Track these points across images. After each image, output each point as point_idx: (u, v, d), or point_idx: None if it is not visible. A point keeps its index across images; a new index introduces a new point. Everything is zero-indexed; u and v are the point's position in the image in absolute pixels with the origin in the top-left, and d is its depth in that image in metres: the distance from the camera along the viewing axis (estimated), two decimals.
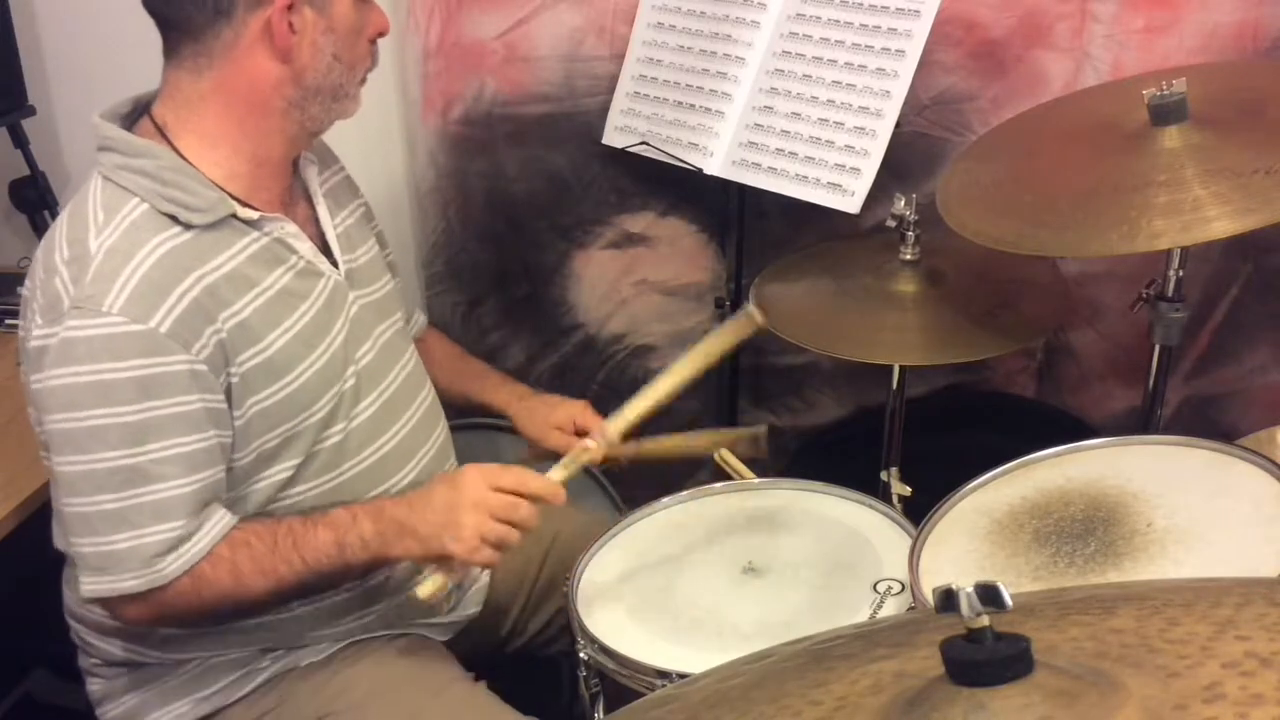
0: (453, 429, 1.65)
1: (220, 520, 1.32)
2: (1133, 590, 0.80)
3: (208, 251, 1.30)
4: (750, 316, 1.56)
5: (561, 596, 1.45)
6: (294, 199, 1.45)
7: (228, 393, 1.31)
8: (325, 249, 1.45)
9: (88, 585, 1.30)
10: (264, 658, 1.45)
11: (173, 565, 1.28)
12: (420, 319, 1.76)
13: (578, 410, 1.64)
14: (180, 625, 1.39)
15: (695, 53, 1.94)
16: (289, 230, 1.38)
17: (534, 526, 1.36)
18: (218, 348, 1.29)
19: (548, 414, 1.66)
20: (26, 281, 1.33)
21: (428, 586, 1.35)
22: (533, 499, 1.36)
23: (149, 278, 1.25)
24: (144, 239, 1.26)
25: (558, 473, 1.43)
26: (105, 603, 1.33)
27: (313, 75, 1.34)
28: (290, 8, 1.29)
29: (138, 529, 1.27)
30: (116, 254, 1.25)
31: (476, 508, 1.33)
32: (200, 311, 1.27)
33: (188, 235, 1.29)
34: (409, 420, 1.51)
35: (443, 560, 1.34)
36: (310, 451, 1.39)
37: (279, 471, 1.38)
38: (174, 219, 1.28)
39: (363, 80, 1.41)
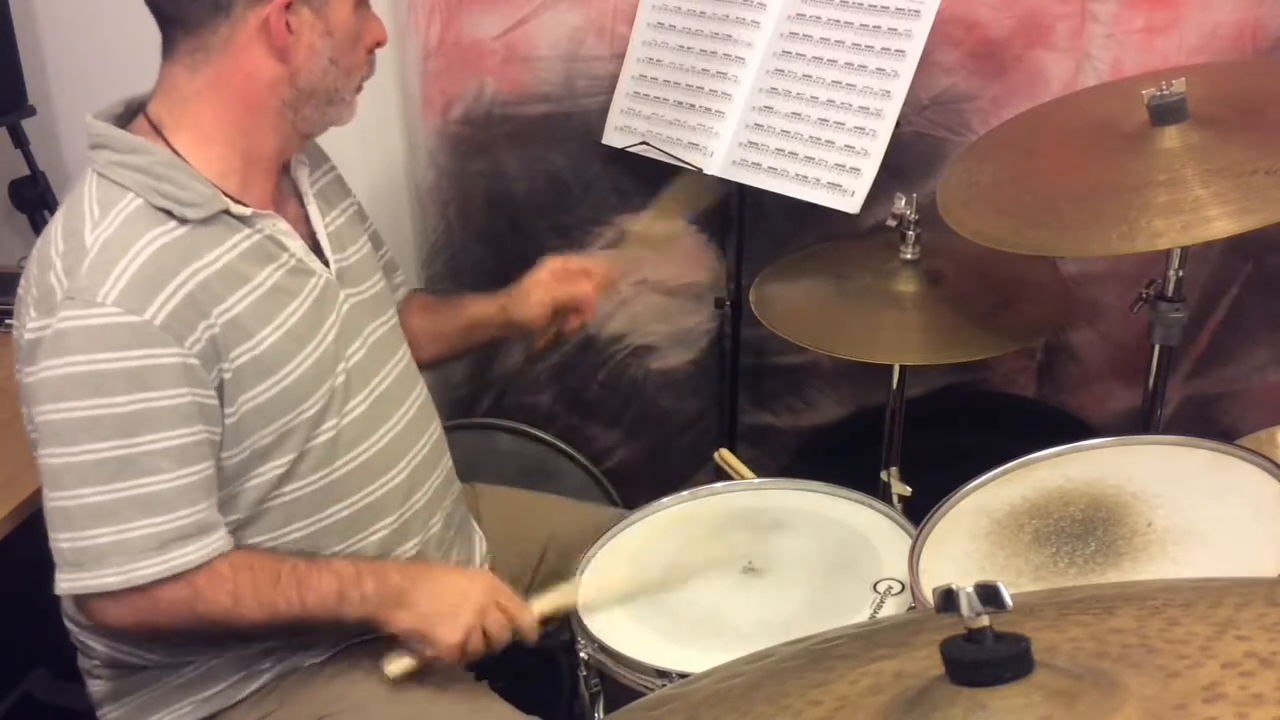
0: (453, 429, 1.65)
1: (218, 539, 1.31)
2: (1133, 590, 0.80)
3: (201, 247, 1.30)
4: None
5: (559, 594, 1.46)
6: (284, 198, 1.45)
7: (219, 389, 1.31)
8: (316, 248, 1.45)
9: (63, 582, 1.29)
10: (265, 659, 1.44)
11: (156, 567, 1.27)
12: (401, 292, 1.71)
13: (552, 263, 1.72)
14: (157, 637, 1.38)
15: (695, 53, 1.94)
16: (280, 228, 1.39)
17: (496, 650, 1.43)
18: (210, 343, 1.29)
19: (526, 287, 1.71)
20: (21, 280, 1.33)
21: (398, 665, 1.41)
22: (515, 629, 1.42)
23: (144, 271, 1.25)
24: (139, 233, 1.27)
25: (540, 606, 1.45)
26: (83, 602, 1.32)
27: (307, 77, 1.34)
28: (288, 7, 1.30)
29: (123, 523, 1.26)
30: (112, 246, 1.25)
31: (479, 612, 1.39)
32: (194, 306, 1.27)
33: (182, 230, 1.29)
34: (401, 419, 1.51)
35: (423, 643, 1.39)
36: (303, 448, 1.39)
37: (273, 469, 1.38)
38: (168, 214, 1.29)
39: (359, 88, 1.41)
